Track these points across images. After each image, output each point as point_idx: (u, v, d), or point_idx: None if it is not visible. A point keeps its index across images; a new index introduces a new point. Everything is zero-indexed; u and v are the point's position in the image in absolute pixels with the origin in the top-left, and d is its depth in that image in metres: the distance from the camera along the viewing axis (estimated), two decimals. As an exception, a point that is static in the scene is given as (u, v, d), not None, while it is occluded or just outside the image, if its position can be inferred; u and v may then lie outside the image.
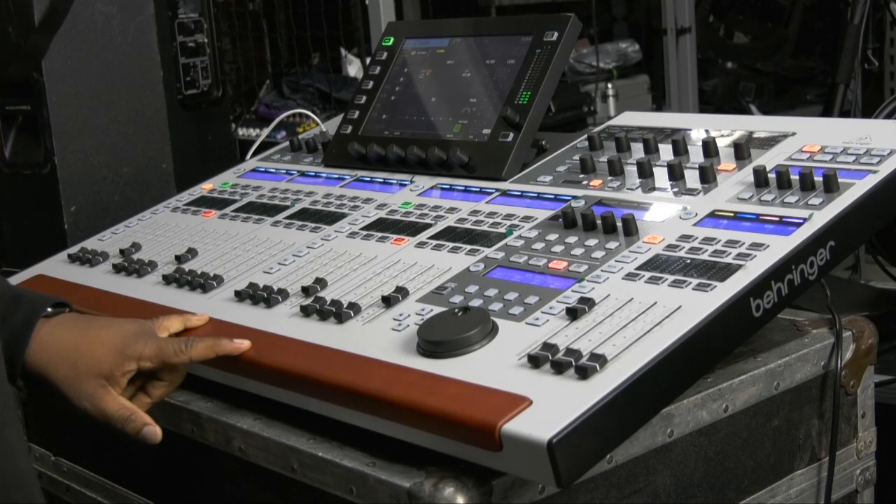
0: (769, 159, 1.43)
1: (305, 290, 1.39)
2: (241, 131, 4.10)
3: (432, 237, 1.47)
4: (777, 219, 1.29)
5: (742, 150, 1.46)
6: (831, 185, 1.32)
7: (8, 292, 1.33)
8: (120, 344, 1.26)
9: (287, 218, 1.67)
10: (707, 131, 1.55)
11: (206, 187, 1.90)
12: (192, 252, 1.61)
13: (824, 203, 1.30)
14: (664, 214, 1.37)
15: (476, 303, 1.26)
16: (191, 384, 1.39)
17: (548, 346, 1.12)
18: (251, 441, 1.27)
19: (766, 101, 5.12)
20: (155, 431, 1.26)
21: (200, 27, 2.32)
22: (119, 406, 1.26)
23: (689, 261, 1.25)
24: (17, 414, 1.11)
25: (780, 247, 1.23)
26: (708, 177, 1.41)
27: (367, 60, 3.64)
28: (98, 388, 1.25)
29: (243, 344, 1.30)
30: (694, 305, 1.16)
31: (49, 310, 1.31)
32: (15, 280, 1.71)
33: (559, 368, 1.09)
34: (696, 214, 1.34)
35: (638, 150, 1.55)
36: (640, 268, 1.25)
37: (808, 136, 1.47)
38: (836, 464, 1.41)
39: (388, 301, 1.31)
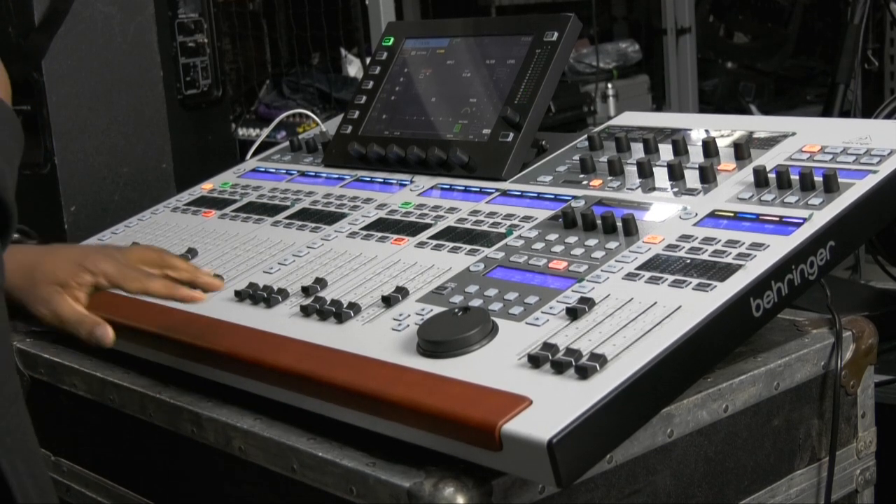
0: (769, 159, 1.43)
1: (305, 290, 1.39)
2: (241, 131, 4.10)
3: (432, 237, 1.47)
4: (777, 219, 1.29)
5: (742, 150, 1.46)
6: (831, 185, 1.32)
7: None
8: (80, 256, 1.30)
9: (287, 218, 1.67)
10: (707, 131, 1.55)
11: (206, 187, 1.90)
12: (192, 252, 1.61)
13: (824, 203, 1.30)
14: (664, 214, 1.36)
15: (476, 303, 1.26)
16: (191, 384, 1.39)
17: (548, 346, 1.12)
18: (251, 441, 1.27)
19: (766, 101, 5.12)
20: (105, 331, 1.28)
21: (200, 27, 2.32)
22: (73, 310, 1.28)
23: (689, 261, 1.25)
24: (22, 398, 1.09)
25: (780, 247, 1.23)
26: (708, 177, 1.41)
27: (367, 60, 3.63)
28: (53, 293, 1.28)
29: (199, 295, 1.32)
30: (694, 305, 1.16)
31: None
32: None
33: (559, 368, 1.09)
34: (696, 214, 1.34)
35: (638, 150, 1.55)
36: (640, 268, 1.25)
37: (808, 136, 1.47)
38: (836, 464, 1.40)
39: (388, 301, 1.31)
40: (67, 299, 1.28)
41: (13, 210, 1.00)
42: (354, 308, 1.31)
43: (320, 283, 1.40)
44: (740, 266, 1.21)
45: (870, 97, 3.72)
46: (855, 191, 1.31)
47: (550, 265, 1.30)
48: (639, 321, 1.15)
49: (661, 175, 1.46)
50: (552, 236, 1.37)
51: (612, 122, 1.69)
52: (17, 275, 1.28)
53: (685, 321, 1.14)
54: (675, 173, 1.44)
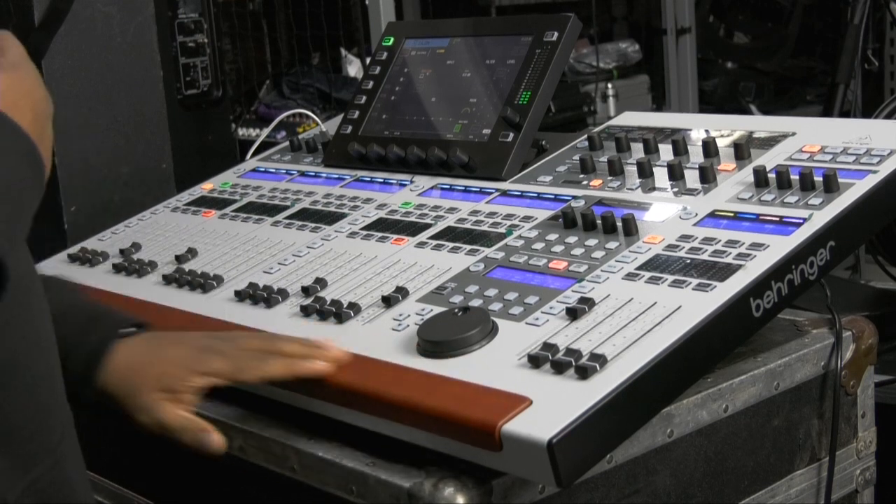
0: (769, 159, 1.43)
1: (305, 290, 1.39)
2: (241, 131, 4.10)
3: (432, 237, 1.47)
4: (777, 219, 1.29)
5: (742, 150, 1.46)
6: (831, 185, 1.32)
7: (87, 310, 1.29)
8: (188, 358, 1.21)
9: (287, 218, 1.67)
10: (707, 131, 1.55)
11: (206, 187, 1.90)
12: (192, 252, 1.61)
13: (824, 203, 1.30)
14: (664, 214, 1.37)
15: (476, 303, 1.26)
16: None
17: (548, 346, 1.12)
18: (251, 441, 1.27)
19: (766, 101, 5.12)
20: (210, 438, 1.19)
21: (200, 27, 2.32)
22: (176, 417, 1.19)
23: (689, 261, 1.25)
24: (77, 444, 0.96)
25: (780, 247, 1.23)
26: (708, 177, 1.41)
27: (367, 60, 3.63)
28: (157, 402, 1.20)
29: (321, 365, 1.18)
30: (694, 305, 1.16)
31: (130, 329, 1.28)
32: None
33: (559, 368, 1.09)
34: (696, 214, 1.35)
35: (638, 150, 1.55)
36: (640, 268, 1.25)
37: (808, 136, 1.47)
38: (836, 464, 1.41)
39: (388, 301, 1.31)
40: (171, 406, 1.19)
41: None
42: (354, 308, 1.31)
43: (320, 283, 1.40)
44: (740, 266, 1.21)
45: (870, 97, 3.72)
46: (855, 191, 1.31)
47: (550, 265, 1.30)
48: (639, 321, 1.15)
49: (661, 175, 1.46)
50: (552, 236, 1.37)
51: (612, 122, 1.69)
52: (127, 383, 1.21)
53: (685, 321, 1.14)
54: (675, 173, 1.44)
